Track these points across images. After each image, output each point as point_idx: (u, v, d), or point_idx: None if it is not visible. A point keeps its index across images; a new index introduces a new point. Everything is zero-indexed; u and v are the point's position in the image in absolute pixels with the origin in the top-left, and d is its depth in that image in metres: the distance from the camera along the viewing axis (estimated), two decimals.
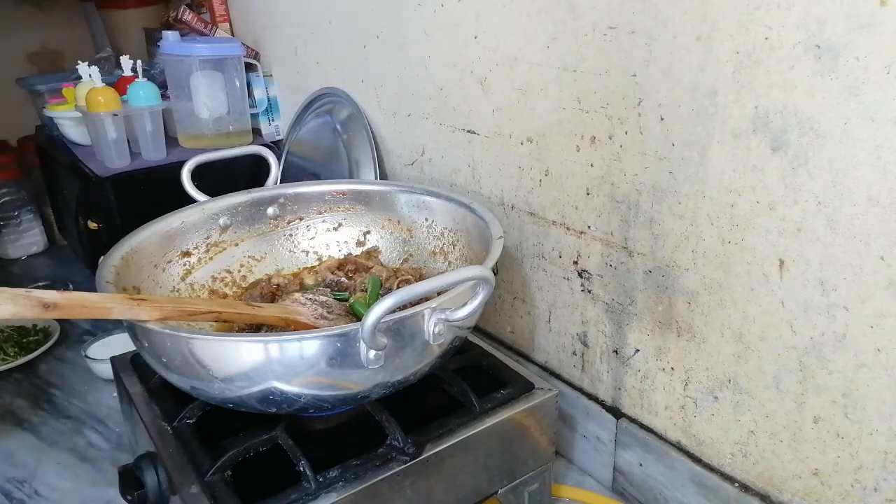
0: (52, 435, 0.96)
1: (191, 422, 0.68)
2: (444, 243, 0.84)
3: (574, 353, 0.86)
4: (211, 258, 0.85)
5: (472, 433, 0.66)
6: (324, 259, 0.91)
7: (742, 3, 0.57)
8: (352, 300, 0.76)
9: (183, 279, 0.81)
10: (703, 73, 0.61)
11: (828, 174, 0.55)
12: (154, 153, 1.23)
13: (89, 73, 1.19)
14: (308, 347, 0.55)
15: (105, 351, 1.05)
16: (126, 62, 1.26)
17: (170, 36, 1.24)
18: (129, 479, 0.65)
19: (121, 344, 1.04)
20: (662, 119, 0.66)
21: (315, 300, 0.71)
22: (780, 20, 0.55)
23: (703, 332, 0.69)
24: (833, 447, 0.61)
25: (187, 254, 0.82)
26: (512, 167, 0.85)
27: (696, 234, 0.66)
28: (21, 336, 1.18)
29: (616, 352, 0.80)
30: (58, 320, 1.25)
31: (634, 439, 0.79)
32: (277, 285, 0.83)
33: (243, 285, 0.86)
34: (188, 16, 1.37)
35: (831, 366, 0.59)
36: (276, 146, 1.34)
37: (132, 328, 0.60)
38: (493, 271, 0.58)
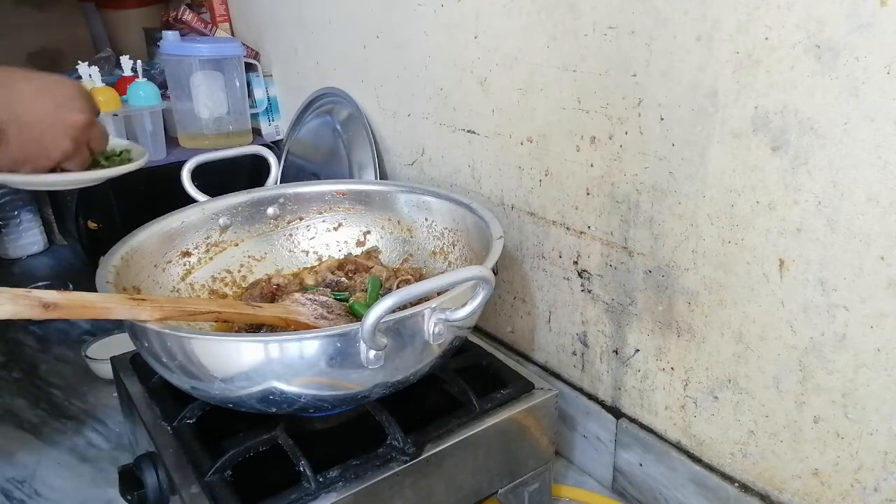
0: (52, 435, 0.96)
1: (191, 422, 0.68)
2: (444, 243, 0.84)
3: (574, 353, 0.86)
4: (211, 258, 0.85)
5: (472, 433, 0.66)
6: (324, 259, 0.91)
7: (742, 3, 0.57)
8: (351, 300, 0.76)
9: (183, 279, 0.81)
10: (703, 73, 0.61)
11: (828, 174, 0.55)
12: (154, 153, 1.23)
13: (89, 73, 1.19)
14: (308, 347, 0.55)
15: (105, 351, 1.05)
16: (126, 62, 1.27)
17: (170, 36, 1.24)
18: (129, 479, 0.65)
19: (121, 344, 1.04)
20: (662, 119, 0.66)
21: (315, 300, 0.71)
22: (780, 20, 0.55)
23: (703, 332, 0.69)
24: (833, 447, 0.61)
25: (187, 254, 0.82)
26: (512, 167, 0.86)
27: (696, 234, 0.66)
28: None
29: (616, 352, 0.80)
30: (57, 320, 1.25)
31: (634, 439, 0.79)
32: (277, 285, 0.83)
33: (243, 285, 0.86)
34: (188, 16, 1.37)
35: (831, 366, 0.59)
36: (276, 146, 1.34)
37: (132, 328, 0.60)
38: (494, 271, 0.58)
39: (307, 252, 0.92)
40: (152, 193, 1.17)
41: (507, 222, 0.89)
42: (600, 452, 0.85)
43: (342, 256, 0.90)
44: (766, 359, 0.64)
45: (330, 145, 1.17)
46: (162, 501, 0.64)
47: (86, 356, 1.05)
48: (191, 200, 0.85)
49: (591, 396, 0.85)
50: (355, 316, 0.73)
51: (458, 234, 0.82)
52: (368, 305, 0.62)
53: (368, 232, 0.91)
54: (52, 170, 0.69)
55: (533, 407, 0.70)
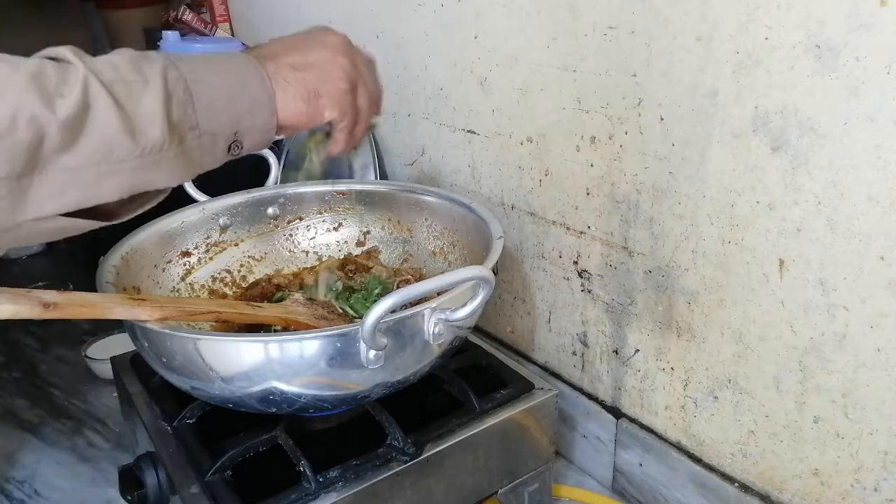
0: (52, 435, 0.96)
1: (191, 422, 0.68)
2: (444, 243, 0.84)
3: (574, 353, 0.86)
4: (211, 258, 0.85)
5: (472, 433, 0.66)
6: (324, 259, 0.91)
7: (742, 3, 0.57)
8: (351, 300, 0.76)
9: (183, 279, 0.81)
10: (703, 73, 0.61)
11: (828, 174, 0.55)
12: None
13: None
14: (308, 347, 0.55)
15: (105, 351, 1.05)
16: None
17: (170, 36, 1.24)
18: (129, 479, 0.65)
19: (121, 344, 1.04)
20: (662, 119, 0.66)
21: (315, 300, 0.71)
22: (780, 20, 0.55)
23: (703, 332, 0.69)
24: (833, 447, 0.61)
25: (187, 254, 0.82)
26: (512, 167, 0.85)
27: (696, 234, 0.66)
28: None
29: (616, 352, 0.80)
30: (57, 320, 1.25)
31: (634, 439, 0.79)
32: (278, 285, 0.83)
33: (243, 285, 0.86)
34: (188, 16, 1.37)
35: (831, 366, 0.59)
36: (276, 146, 1.34)
37: (132, 328, 0.60)
38: (493, 271, 0.58)
39: (307, 252, 0.91)
40: None
41: (507, 222, 0.89)
42: (600, 452, 0.85)
43: (342, 256, 0.90)
44: (766, 359, 0.64)
45: None
46: (162, 501, 0.64)
47: (86, 356, 1.05)
48: (191, 200, 0.85)
49: (591, 396, 0.85)
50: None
51: (458, 234, 0.82)
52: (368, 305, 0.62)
53: (368, 232, 0.91)
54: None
55: (533, 407, 0.70)
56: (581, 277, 0.81)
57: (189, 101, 0.48)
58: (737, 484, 0.70)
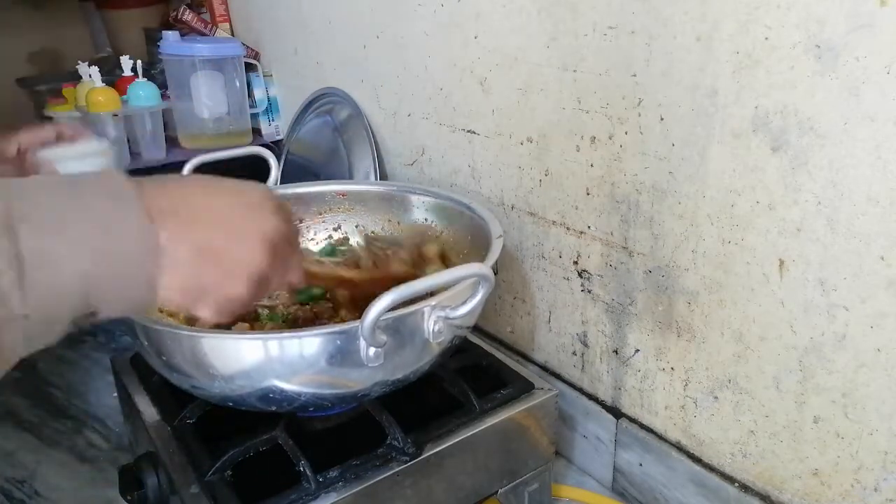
0: (52, 435, 0.96)
1: (191, 422, 0.68)
2: (445, 243, 0.84)
3: (574, 353, 0.86)
4: None
5: (472, 433, 0.66)
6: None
7: (742, 3, 0.57)
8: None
9: None
10: (703, 73, 0.61)
11: (828, 174, 0.55)
12: (154, 153, 1.23)
13: (89, 73, 1.19)
14: (308, 345, 0.55)
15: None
16: (126, 62, 1.26)
17: (170, 36, 1.24)
18: (129, 479, 0.65)
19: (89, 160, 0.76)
20: (662, 119, 0.66)
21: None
22: (780, 20, 0.55)
23: (703, 332, 0.69)
24: (833, 447, 0.61)
25: None
26: (512, 167, 0.86)
27: (696, 234, 0.66)
28: None
29: (616, 352, 0.80)
30: None
31: (634, 439, 0.79)
32: None
33: None
34: (188, 16, 1.37)
35: (831, 366, 0.59)
36: (276, 146, 1.34)
37: (132, 327, 0.60)
38: (493, 270, 0.58)
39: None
40: None
41: (507, 222, 0.89)
42: (600, 452, 0.85)
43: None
44: (766, 359, 0.64)
45: (330, 145, 1.17)
46: (162, 501, 0.64)
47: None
48: None
49: (591, 396, 0.85)
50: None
51: (458, 234, 0.82)
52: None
53: (371, 232, 0.91)
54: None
55: (533, 407, 0.70)
56: (581, 277, 0.81)
57: (15, 286, 0.34)
58: (737, 484, 0.70)
